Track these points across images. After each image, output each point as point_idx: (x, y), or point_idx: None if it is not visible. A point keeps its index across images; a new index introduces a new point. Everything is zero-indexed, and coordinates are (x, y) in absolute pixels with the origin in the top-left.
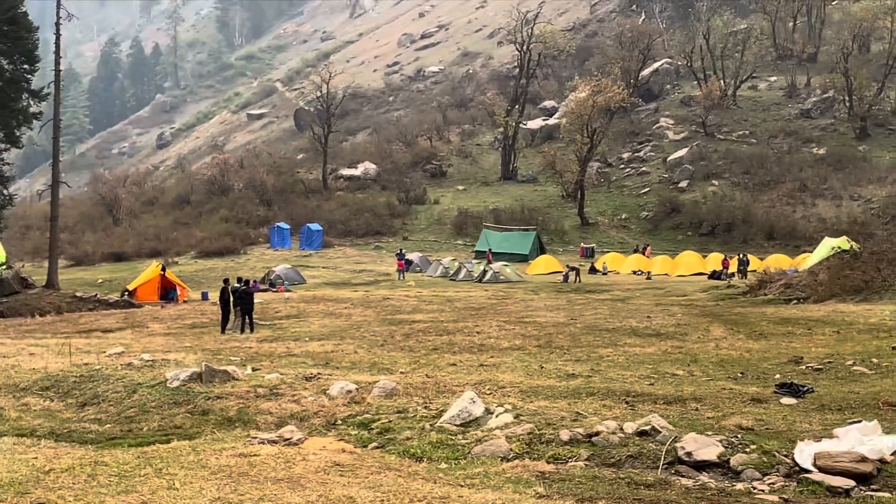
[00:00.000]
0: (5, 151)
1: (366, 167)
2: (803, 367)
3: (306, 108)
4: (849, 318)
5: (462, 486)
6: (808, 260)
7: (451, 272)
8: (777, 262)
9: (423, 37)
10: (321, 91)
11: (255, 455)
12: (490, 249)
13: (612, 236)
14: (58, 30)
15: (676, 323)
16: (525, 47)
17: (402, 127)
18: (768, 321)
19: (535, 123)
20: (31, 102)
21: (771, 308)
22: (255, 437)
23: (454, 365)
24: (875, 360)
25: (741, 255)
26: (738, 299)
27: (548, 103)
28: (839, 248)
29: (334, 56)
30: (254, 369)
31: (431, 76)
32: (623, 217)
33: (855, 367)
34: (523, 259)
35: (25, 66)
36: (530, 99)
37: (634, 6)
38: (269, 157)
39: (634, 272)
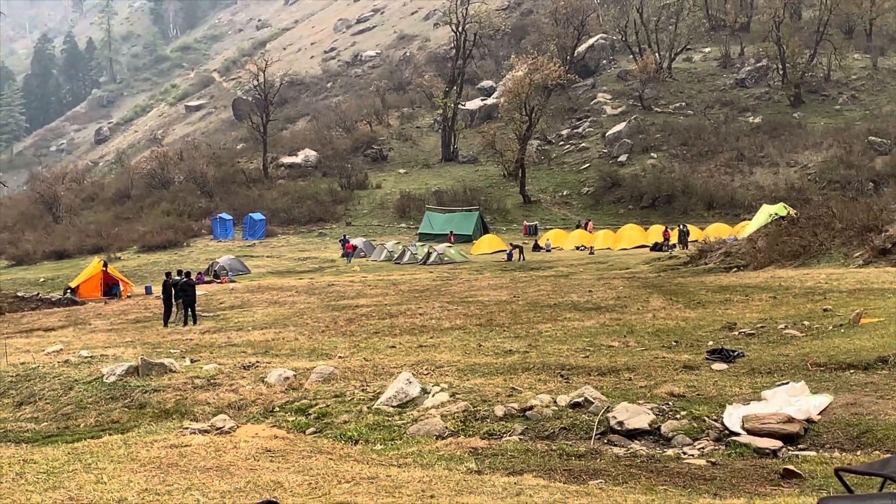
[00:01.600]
0: None
1: (306, 154)
2: (736, 333)
3: (244, 97)
4: (786, 283)
5: (393, 465)
6: (747, 228)
7: (396, 256)
8: (717, 231)
9: (358, 21)
10: (258, 80)
11: (186, 445)
12: (452, 232)
13: (554, 213)
14: None
15: (617, 296)
16: (461, 28)
17: (341, 113)
18: (707, 290)
19: (473, 104)
20: None
21: (711, 277)
22: (187, 428)
23: (393, 347)
24: (806, 323)
25: (681, 226)
26: (680, 270)
27: (486, 83)
28: (777, 214)
29: (271, 44)
30: (192, 361)
31: (369, 60)
32: (564, 193)
33: (787, 331)
34: (467, 239)
35: None
36: (468, 79)
37: None
38: (208, 148)
39: (577, 248)
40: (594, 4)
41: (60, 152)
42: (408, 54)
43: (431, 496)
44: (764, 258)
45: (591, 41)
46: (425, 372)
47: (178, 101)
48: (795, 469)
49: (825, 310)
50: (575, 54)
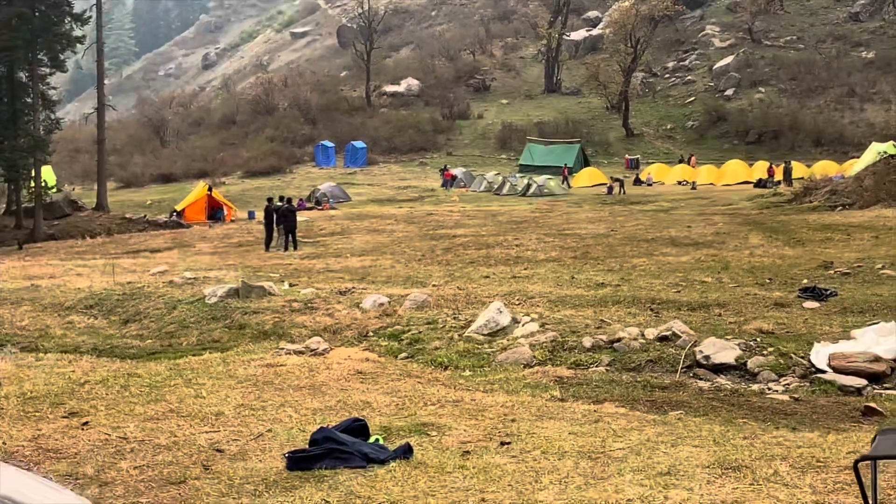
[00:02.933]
0: (51, 76)
1: (409, 83)
2: (832, 272)
3: (349, 25)
4: (890, 223)
5: (479, 390)
6: (855, 166)
7: (496, 186)
8: (824, 168)
9: None
10: (363, 7)
11: (281, 365)
12: (567, 164)
13: (657, 147)
14: None
15: (716, 232)
16: None
17: (444, 42)
18: (808, 228)
19: (578, 35)
20: (74, 26)
21: (814, 215)
22: (283, 349)
23: (487, 277)
24: None
25: (786, 163)
26: (783, 207)
27: (591, 13)
28: (886, 153)
29: None
30: (291, 285)
31: None
32: (668, 127)
33: (883, 271)
34: (569, 172)
35: None
36: (574, 9)
37: None
38: (312, 75)
39: (680, 182)
40: None
41: (168, 77)
42: None
43: (513, 420)
44: (870, 197)
45: None
46: (517, 302)
47: (283, 27)
48: (877, 406)
49: None
50: None
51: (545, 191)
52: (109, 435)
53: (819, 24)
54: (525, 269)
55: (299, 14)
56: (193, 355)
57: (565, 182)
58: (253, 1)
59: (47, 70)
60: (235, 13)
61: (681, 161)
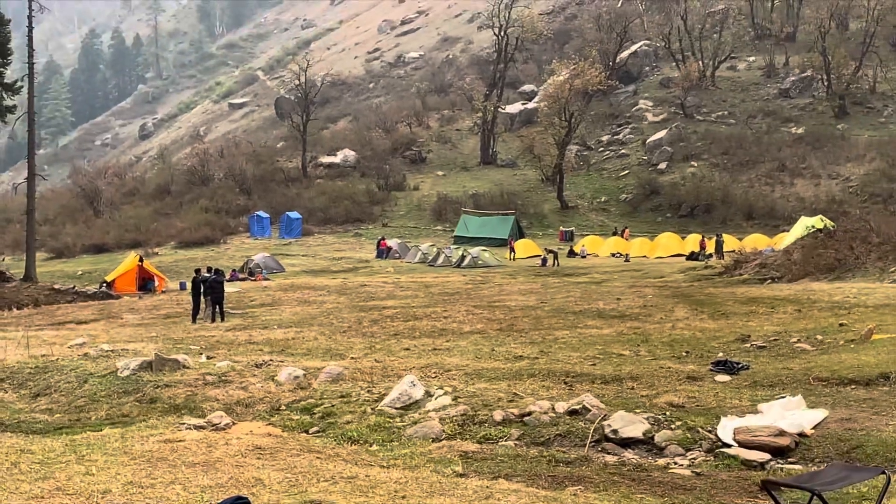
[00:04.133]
0: None
1: (345, 154)
2: (748, 346)
3: (287, 96)
4: (815, 296)
5: (379, 466)
6: (785, 239)
7: (430, 258)
8: (755, 241)
9: (403, 23)
10: (301, 79)
11: (179, 441)
12: (512, 237)
13: (591, 219)
14: (30, 23)
15: (644, 304)
16: (503, 32)
17: (381, 113)
18: (735, 301)
19: (514, 108)
20: (5, 96)
21: (743, 288)
22: (184, 424)
23: (408, 350)
24: (819, 337)
25: (718, 236)
26: (714, 280)
27: (527, 87)
28: (814, 227)
29: (315, 43)
30: (208, 357)
31: (412, 62)
32: (602, 200)
33: (798, 344)
34: (502, 243)
35: None
36: (510, 83)
37: None
38: (249, 146)
39: (613, 255)
40: (638, 11)
41: (105, 147)
42: (450, 57)
43: (403, 497)
44: (799, 271)
45: (634, 47)
46: (433, 375)
47: (221, 98)
48: (775, 480)
49: (840, 324)
50: (617, 60)
51: (479, 262)
52: None
53: (750, 100)
54: (448, 341)
55: (238, 85)
56: (93, 430)
57: (512, 253)
58: (192, 72)
59: None
60: (174, 84)
61: (614, 233)
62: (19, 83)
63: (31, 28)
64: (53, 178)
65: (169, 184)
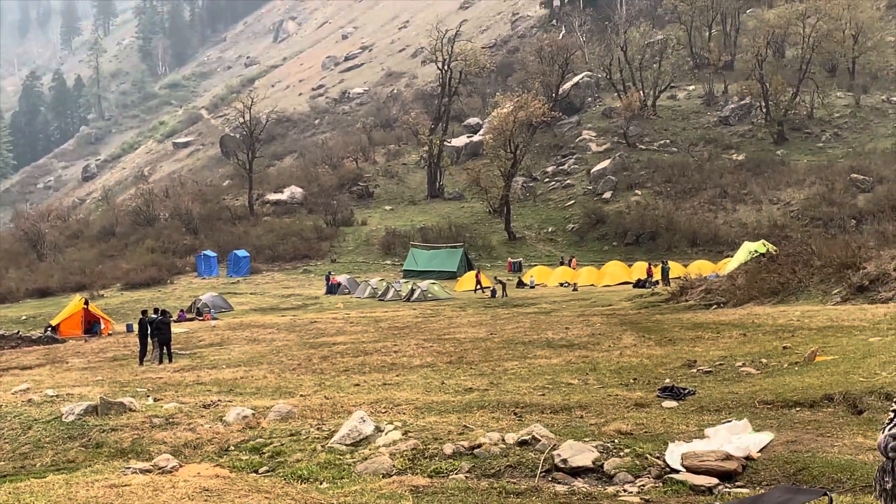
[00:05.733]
0: None
1: (292, 191)
2: (695, 371)
3: (232, 134)
4: (759, 320)
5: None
6: (729, 265)
7: (380, 293)
8: (700, 268)
9: (347, 59)
10: (245, 117)
11: (125, 485)
12: (477, 273)
13: (539, 250)
14: None
15: (591, 333)
16: (446, 66)
17: (327, 149)
18: (681, 327)
19: (459, 141)
20: None
21: (689, 314)
22: (130, 468)
23: (358, 385)
24: (764, 361)
25: (664, 263)
26: (661, 307)
27: (472, 120)
28: (757, 251)
29: (259, 81)
30: (155, 400)
31: (356, 97)
32: (549, 230)
33: (743, 368)
34: (451, 276)
35: None
36: (454, 116)
37: (554, 21)
38: (194, 185)
39: (561, 284)
40: (579, 43)
41: (48, 189)
42: (395, 91)
43: None
44: (743, 295)
45: (576, 79)
46: (383, 410)
47: (165, 137)
48: None
49: (784, 347)
50: (560, 92)
51: (429, 295)
52: None
53: (691, 128)
54: (398, 375)
55: (182, 124)
56: (37, 478)
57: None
58: (134, 112)
59: None
60: (116, 124)
61: (562, 263)
62: None
63: None
64: None
65: (114, 225)
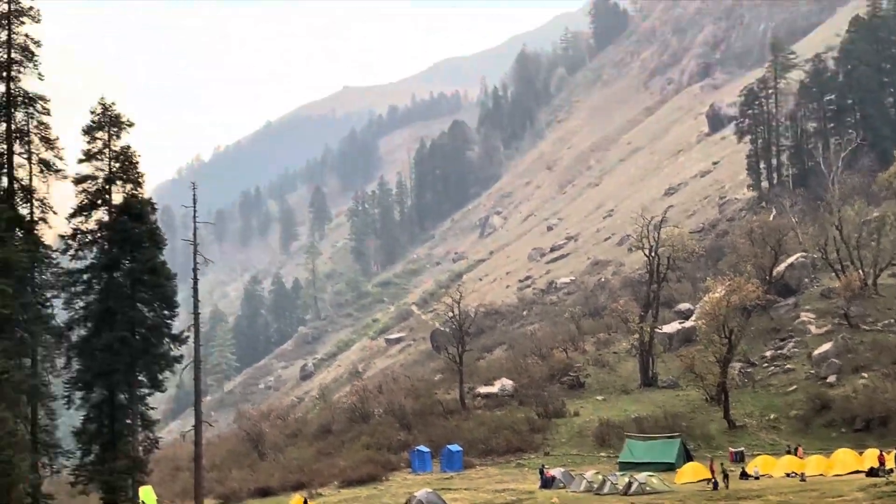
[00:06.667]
0: (150, 396)
1: (502, 384)
2: None
3: (442, 328)
4: None
5: None
6: None
7: (596, 486)
8: None
9: (552, 249)
10: (454, 311)
11: None
12: (711, 464)
13: (761, 438)
14: (195, 275)
15: None
16: (654, 252)
17: (536, 340)
18: None
19: (671, 327)
20: (173, 346)
21: None
22: None
23: None
24: None
25: None
26: None
27: (683, 306)
28: None
29: (467, 275)
30: None
31: (563, 287)
32: (772, 417)
33: None
34: (669, 468)
35: (166, 312)
36: (664, 302)
37: (764, 203)
38: (407, 380)
39: (788, 474)
40: (791, 223)
41: (268, 389)
42: (602, 280)
43: None
44: None
45: (790, 260)
46: None
47: (378, 334)
48: None
49: None
50: (774, 274)
51: (648, 488)
52: None
53: None
54: None
55: (393, 321)
56: None
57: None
58: (349, 310)
59: (146, 391)
60: (332, 324)
61: (788, 452)
62: (185, 333)
63: (196, 280)
64: (220, 424)
65: (330, 423)
